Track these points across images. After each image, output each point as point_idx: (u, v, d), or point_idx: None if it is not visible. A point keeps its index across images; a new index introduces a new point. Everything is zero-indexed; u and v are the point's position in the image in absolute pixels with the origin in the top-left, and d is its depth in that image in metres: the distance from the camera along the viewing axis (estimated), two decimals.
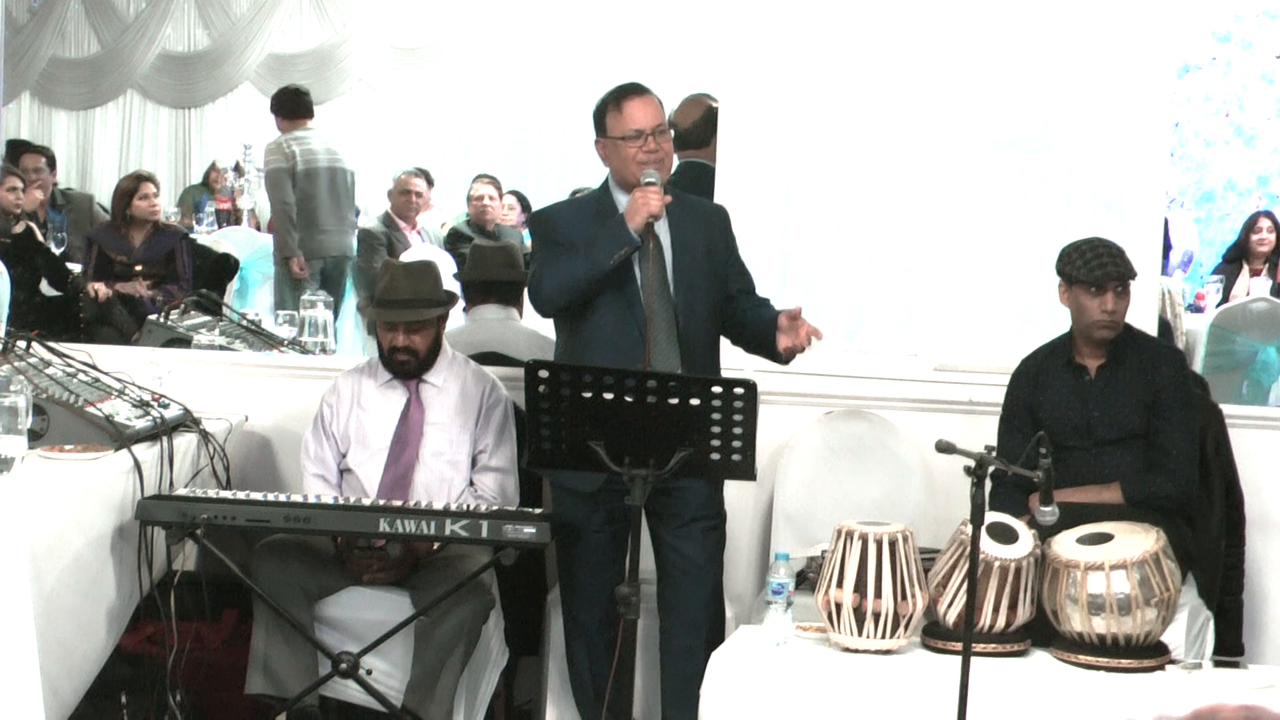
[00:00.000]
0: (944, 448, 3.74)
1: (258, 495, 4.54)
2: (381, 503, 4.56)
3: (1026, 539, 4.09)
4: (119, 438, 4.43)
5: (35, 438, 4.33)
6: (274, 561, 4.55)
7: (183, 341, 5.69)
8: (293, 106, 8.60)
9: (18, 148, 9.01)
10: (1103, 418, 4.67)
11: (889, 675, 3.96)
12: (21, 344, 4.73)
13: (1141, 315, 5.00)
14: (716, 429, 4.04)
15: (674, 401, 4.00)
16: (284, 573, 4.52)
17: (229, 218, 10.00)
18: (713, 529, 4.57)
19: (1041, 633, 4.11)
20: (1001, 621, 4.05)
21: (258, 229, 9.76)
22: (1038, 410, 4.71)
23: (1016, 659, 4.06)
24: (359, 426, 4.82)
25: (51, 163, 9.10)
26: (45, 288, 7.35)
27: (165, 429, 4.65)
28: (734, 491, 4.72)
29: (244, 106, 12.15)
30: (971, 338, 5.41)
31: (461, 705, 4.54)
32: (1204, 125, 11.27)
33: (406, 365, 4.81)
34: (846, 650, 4.04)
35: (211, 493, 4.58)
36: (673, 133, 4.90)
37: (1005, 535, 4.08)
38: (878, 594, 3.99)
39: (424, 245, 8.67)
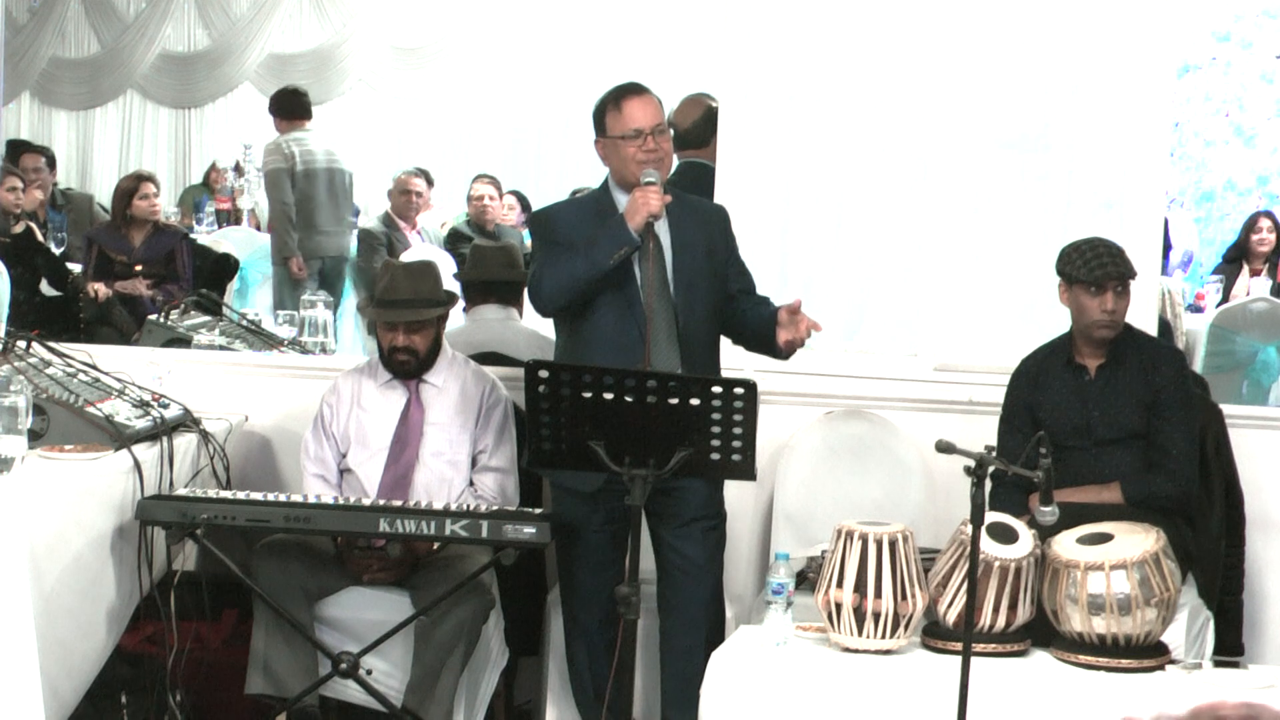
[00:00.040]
0: (944, 448, 3.74)
1: (258, 495, 4.54)
2: (381, 503, 4.56)
3: (1026, 539, 4.09)
4: (119, 438, 4.43)
5: (35, 438, 4.33)
6: (274, 561, 4.55)
7: (183, 341, 5.69)
8: (291, 107, 8.60)
9: (18, 148, 9.02)
10: (1103, 418, 4.67)
11: (889, 675, 3.96)
12: (21, 344, 4.73)
13: (1141, 315, 5.00)
14: (716, 429, 4.04)
15: (674, 401, 4.00)
16: (284, 573, 4.52)
17: (229, 218, 10.01)
18: (713, 529, 4.57)
19: (1041, 633, 4.11)
20: (1001, 621, 4.05)
21: (258, 229, 9.77)
22: (1038, 410, 4.71)
23: (1016, 659, 4.06)
24: (359, 426, 4.82)
25: (51, 163, 9.10)
26: (45, 288, 7.35)
27: (165, 429, 4.65)
28: (734, 491, 4.72)
29: (244, 106, 12.17)
30: (971, 338, 5.42)
31: (461, 705, 4.54)
32: (1204, 125, 11.27)
33: (406, 365, 4.81)
34: (846, 650, 4.04)
35: (211, 493, 4.58)
36: (672, 132, 4.90)
37: (1005, 535, 4.08)
38: (878, 594, 3.99)
39: (424, 245, 8.67)
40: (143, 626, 4.70)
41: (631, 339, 4.44)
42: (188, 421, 4.82)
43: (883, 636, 4.01)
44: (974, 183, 5.41)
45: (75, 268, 7.62)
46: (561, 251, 4.45)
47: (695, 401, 4.01)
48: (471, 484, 4.80)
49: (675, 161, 5.19)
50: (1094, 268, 4.60)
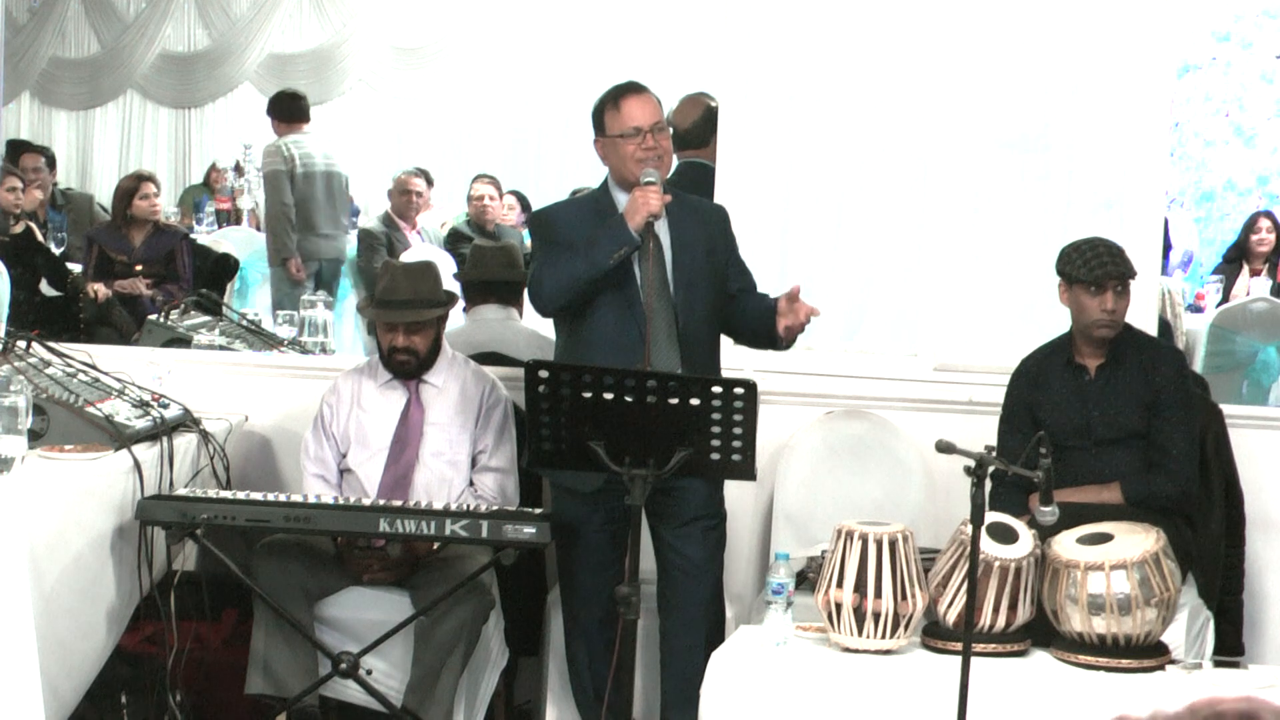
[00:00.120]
0: (944, 448, 3.74)
1: (258, 495, 4.54)
2: (381, 503, 4.56)
3: (1026, 539, 4.09)
4: (119, 438, 4.43)
5: (35, 438, 4.33)
6: (274, 561, 4.55)
7: (183, 341, 5.69)
8: (290, 110, 8.61)
9: (18, 148, 9.02)
10: (1102, 417, 4.67)
11: (889, 675, 3.96)
12: (21, 344, 4.73)
13: (1141, 315, 5.00)
14: (716, 429, 4.04)
15: (674, 401, 4.00)
16: (284, 573, 4.52)
17: (229, 218, 10.01)
18: (713, 529, 4.57)
19: (1041, 633, 4.11)
20: (1001, 621, 4.04)
21: (258, 229, 9.76)
22: (1038, 410, 4.71)
23: (1016, 659, 4.06)
24: (359, 427, 4.82)
25: (51, 163, 9.11)
26: (45, 288, 7.35)
27: (165, 429, 4.65)
28: (734, 491, 4.72)
29: (244, 106, 12.17)
30: (971, 338, 5.41)
31: (461, 705, 4.54)
32: (1204, 125, 11.27)
33: (406, 365, 4.81)
34: (846, 650, 4.04)
35: (211, 493, 4.58)
36: (671, 131, 4.90)
37: (1005, 535, 4.08)
38: (878, 594, 3.99)
39: (424, 245, 8.67)
40: (143, 626, 4.70)
41: (631, 339, 4.44)
42: (188, 421, 4.82)
43: (883, 636, 4.01)
44: (974, 183, 5.41)
45: (75, 268, 7.62)
46: (561, 251, 4.45)
47: (695, 401, 4.01)
48: (471, 484, 4.80)
49: (675, 161, 5.19)
50: (1094, 267, 4.60)
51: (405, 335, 4.77)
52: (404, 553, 4.62)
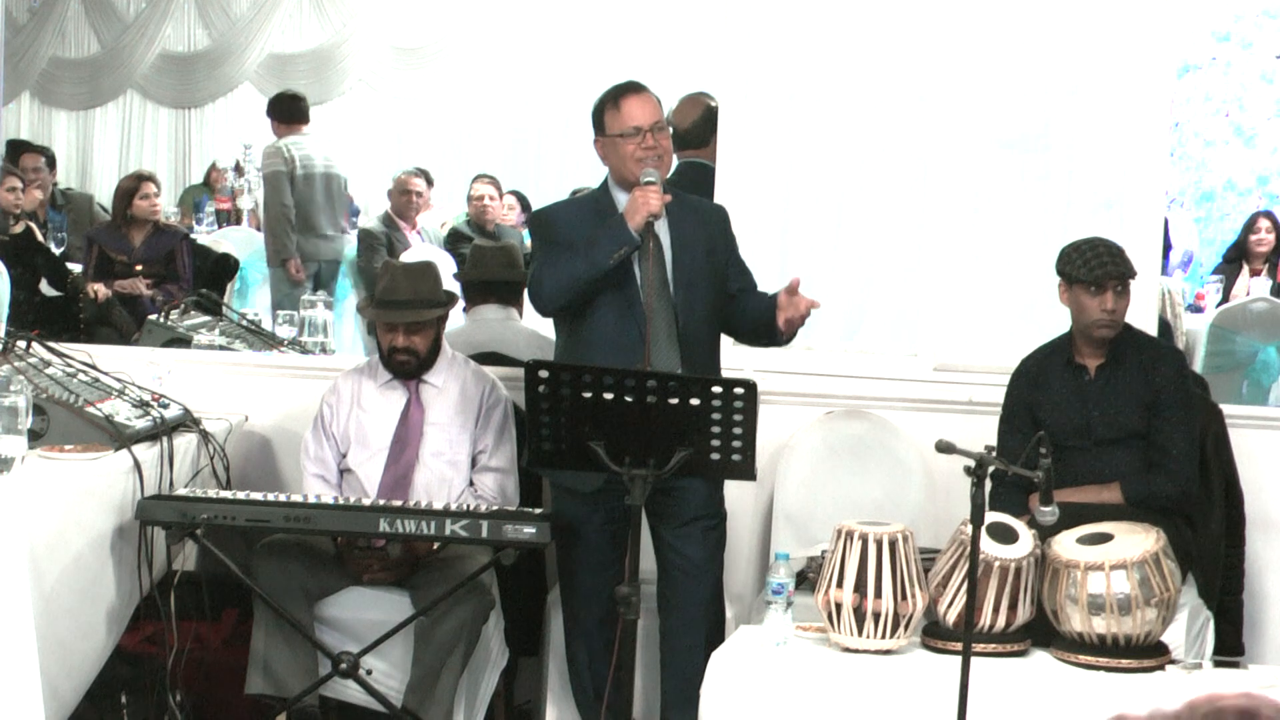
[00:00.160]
0: (944, 448, 3.74)
1: (258, 495, 4.54)
2: (381, 503, 4.56)
3: (1026, 539, 4.09)
4: (119, 438, 4.43)
5: (35, 438, 4.33)
6: (274, 561, 4.55)
7: (183, 341, 5.69)
8: (290, 112, 8.61)
9: (18, 148, 9.02)
10: (1102, 417, 4.67)
11: (889, 675, 3.96)
12: (21, 344, 4.73)
13: (1141, 315, 5.00)
14: (716, 429, 4.04)
15: (674, 401, 4.00)
16: (284, 573, 4.52)
17: (229, 218, 10.01)
18: (713, 528, 4.57)
19: (1041, 633, 4.11)
20: (1001, 621, 4.04)
21: (258, 229, 9.76)
22: (1038, 410, 4.71)
23: (1016, 659, 4.06)
24: (359, 427, 4.82)
25: (51, 163, 9.11)
26: (45, 288, 7.35)
27: (165, 429, 4.65)
28: (734, 491, 4.72)
29: (244, 106, 12.17)
30: (971, 338, 5.41)
31: (461, 705, 4.54)
32: (1204, 125, 11.27)
33: (406, 366, 4.81)
34: (846, 650, 4.04)
35: (211, 493, 4.58)
36: (671, 131, 4.90)
37: (1005, 535, 4.08)
38: (878, 594, 3.99)
39: (424, 245, 8.67)
40: (143, 626, 4.70)
41: (631, 339, 4.44)
42: (188, 421, 4.82)
43: (883, 636, 4.01)
44: (974, 183, 5.41)
45: (75, 268, 7.63)
46: (561, 251, 4.45)
47: (695, 401, 4.01)
48: (471, 484, 4.79)
49: (675, 161, 5.19)
50: (1094, 267, 4.60)
51: (405, 335, 4.77)
52: (404, 553, 4.62)
